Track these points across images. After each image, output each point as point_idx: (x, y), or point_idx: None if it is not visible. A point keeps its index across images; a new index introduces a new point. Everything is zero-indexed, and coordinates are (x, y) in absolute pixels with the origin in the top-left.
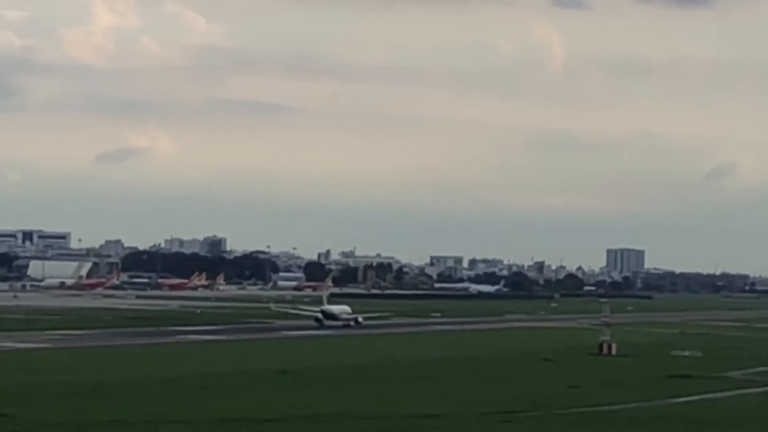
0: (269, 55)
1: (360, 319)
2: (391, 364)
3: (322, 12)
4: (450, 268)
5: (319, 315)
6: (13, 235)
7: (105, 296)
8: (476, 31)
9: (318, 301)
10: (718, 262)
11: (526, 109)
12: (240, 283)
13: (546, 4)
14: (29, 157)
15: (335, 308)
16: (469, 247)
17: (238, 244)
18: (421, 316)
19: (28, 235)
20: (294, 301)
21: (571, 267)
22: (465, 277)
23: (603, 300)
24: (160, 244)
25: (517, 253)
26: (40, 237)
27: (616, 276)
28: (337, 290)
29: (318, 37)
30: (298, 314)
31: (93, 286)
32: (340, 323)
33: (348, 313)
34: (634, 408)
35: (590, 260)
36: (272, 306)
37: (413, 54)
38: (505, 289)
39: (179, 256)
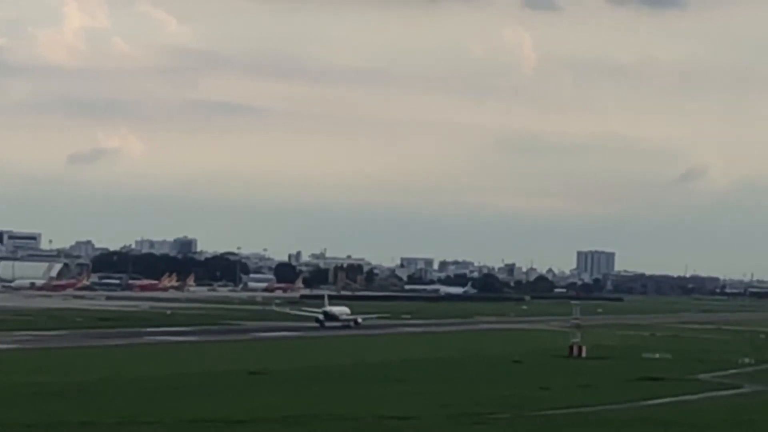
0: (241, 56)
1: (359, 320)
2: (362, 366)
3: (293, 13)
4: (420, 269)
5: (320, 316)
6: None
7: (75, 297)
8: (447, 32)
9: (290, 302)
10: (689, 265)
11: (496, 110)
12: (210, 285)
13: (517, 6)
14: (0, 157)
15: (336, 309)
16: (440, 248)
17: (208, 246)
18: (392, 318)
19: None
20: (265, 302)
21: (542, 269)
22: (435, 279)
23: (573, 302)
24: (130, 245)
25: (487, 255)
26: (10, 237)
27: (587, 278)
28: (307, 291)
29: (290, 38)
30: (300, 315)
31: (63, 287)
32: (339, 324)
33: (347, 314)
34: (605, 410)
35: (561, 262)
36: (275, 307)
37: (385, 55)
38: (473, 291)
39: (150, 257)
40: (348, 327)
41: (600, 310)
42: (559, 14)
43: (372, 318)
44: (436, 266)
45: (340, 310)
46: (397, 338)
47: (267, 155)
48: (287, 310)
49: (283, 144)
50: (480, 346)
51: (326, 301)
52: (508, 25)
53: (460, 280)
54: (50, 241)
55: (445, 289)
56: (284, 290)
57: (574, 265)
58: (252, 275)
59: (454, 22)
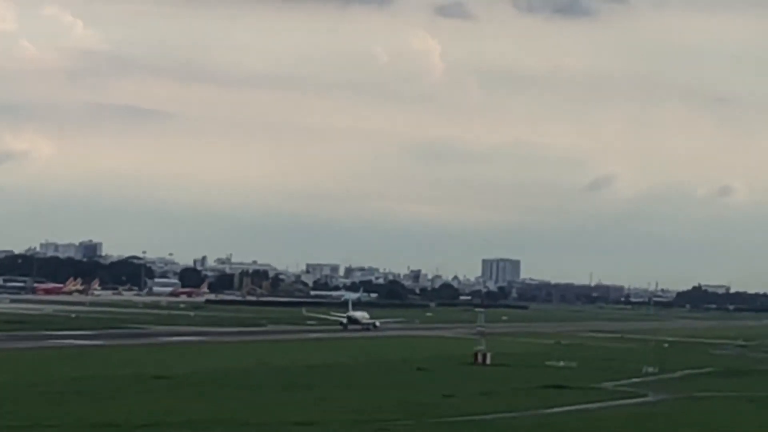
0: (149, 59)
1: (377, 324)
2: (266, 370)
3: (202, 17)
4: (326, 276)
5: (345, 320)
6: None
7: None
8: (357, 38)
9: (195, 307)
10: (594, 273)
11: (404, 117)
12: (115, 289)
13: (429, 13)
14: None
15: (358, 314)
16: (346, 254)
17: (113, 249)
18: (297, 324)
19: None
20: (169, 307)
21: (447, 276)
22: (341, 285)
23: (478, 309)
24: (35, 248)
25: (393, 261)
26: None
27: (492, 286)
28: (212, 297)
29: (198, 42)
30: (327, 319)
31: None
32: (360, 327)
33: (367, 319)
34: (508, 418)
35: (466, 269)
36: (304, 311)
37: (293, 61)
38: (373, 296)
39: (55, 260)
40: (368, 329)
41: (505, 317)
42: (470, 22)
43: (389, 322)
44: (341, 272)
45: (361, 314)
46: (303, 344)
47: (173, 159)
48: (314, 314)
49: (190, 148)
50: (385, 353)
51: (350, 306)
52: (418, 32)
53: (365, 286)
54: None
55: (349, 295)
56: (189, 295)
57: (480, 273)
58: (157, 280)
59: (364, 28)
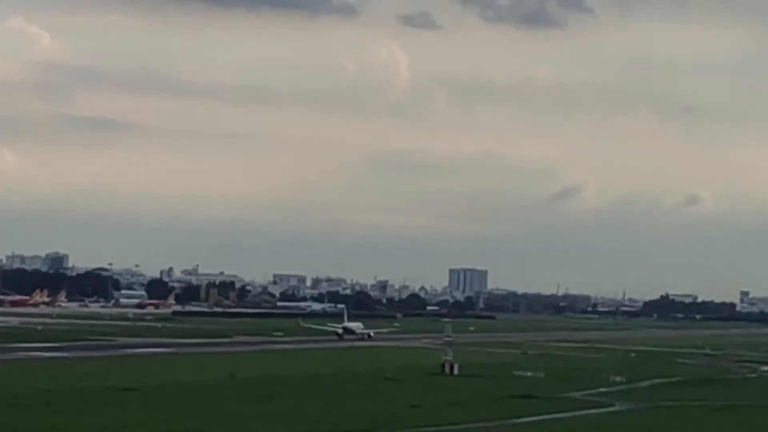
0: (115, 72)
1: (371, 334)
2: (233, 382)
3: (168, 29)
4: (293, 286)
5: (340, 330)
6: None
7: None
8: (324, 49)
9: (162, 318)
10: (561, 283)
11: (370, 128)
12: (82, 301)
13: (395, 24)
14: None
15: (353, 325)
16: (313, 265)
17: (80, 261)
18: (264, 335)
19: None
20: (136, 319)
21: (414, 287)
22: (308, 296)
23: (445, 320)
24: (1, 261)
25: (360, 272)
26: None
27: (459, 296)
28: (179, 308)
29: (164, 54)
30: (323, 330)
31: None
32: (355, 337)
33: (362, 329)
34: (477, 428)
35: (433, 280)
36: (300, 322)
37: (259, 72)
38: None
39: (21, 272)
40: (362, 339)
41: (472, 328)
42: (437, 32)
43: (383, 333)
44: (308, 283)
45: (356, 325)
46: (269, 355)
47: (140, 171)
48: (311, 325)
49: (156, 160)
50: (352, 364)
51: (345, 317)
52: (385, 43)
53: (332, 297)
54: None
55: (315, 307)
56: (156, 306)
57: (447, 283)
58: (124, 291)
59: (331, 39)
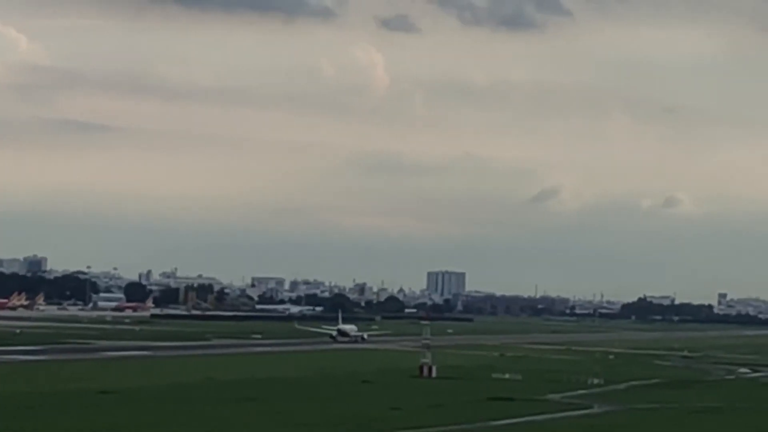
0: (96, 74)
1: (365, 336)
2: (213, 384)
3: (148, 32)
4: (271, 289)
5: (334, 333)
6: None
7: None
8: (303, 52)
9: (141, 321)
10: (539, 286)
11: (349, 130)
12: (60, 304)
13: (374, 27)
14: None
15: (347, 327)
16: (291, 268)
17: (58, 264)
18: (242, 338)
19: None
20: (114, 322)
21: (393, 289)
22: (287, 299)
23: (424, 322)
24: None
25: (338, 275)
26: None
27: (437, 298)
28: (158, 311)
29: (144, 57)
30: (318, 332)
31: None
32: (348, 339)
33: (355, 331)
34: (454, 430)
35: (411, 282)
36: (296, 324)
37: (241, 75)
38: (318, 309)
39: None
40: (356, 342)
41: (450, 330)
42: (415, 36)
43: (374, 335)
44: (287, 286)
45: (350, 327)
46: (248, 358)
47: (118, 174)
48: (305, 327)
49: (135, 162)
50: (330, 366)
51: (339, 320)
52: (364, 45)
53: (311, 300)
54: None
55: (295, 309)
56: (134, 309)
57: (425, 286)
58: (102, 294)
59: (310, 41)
